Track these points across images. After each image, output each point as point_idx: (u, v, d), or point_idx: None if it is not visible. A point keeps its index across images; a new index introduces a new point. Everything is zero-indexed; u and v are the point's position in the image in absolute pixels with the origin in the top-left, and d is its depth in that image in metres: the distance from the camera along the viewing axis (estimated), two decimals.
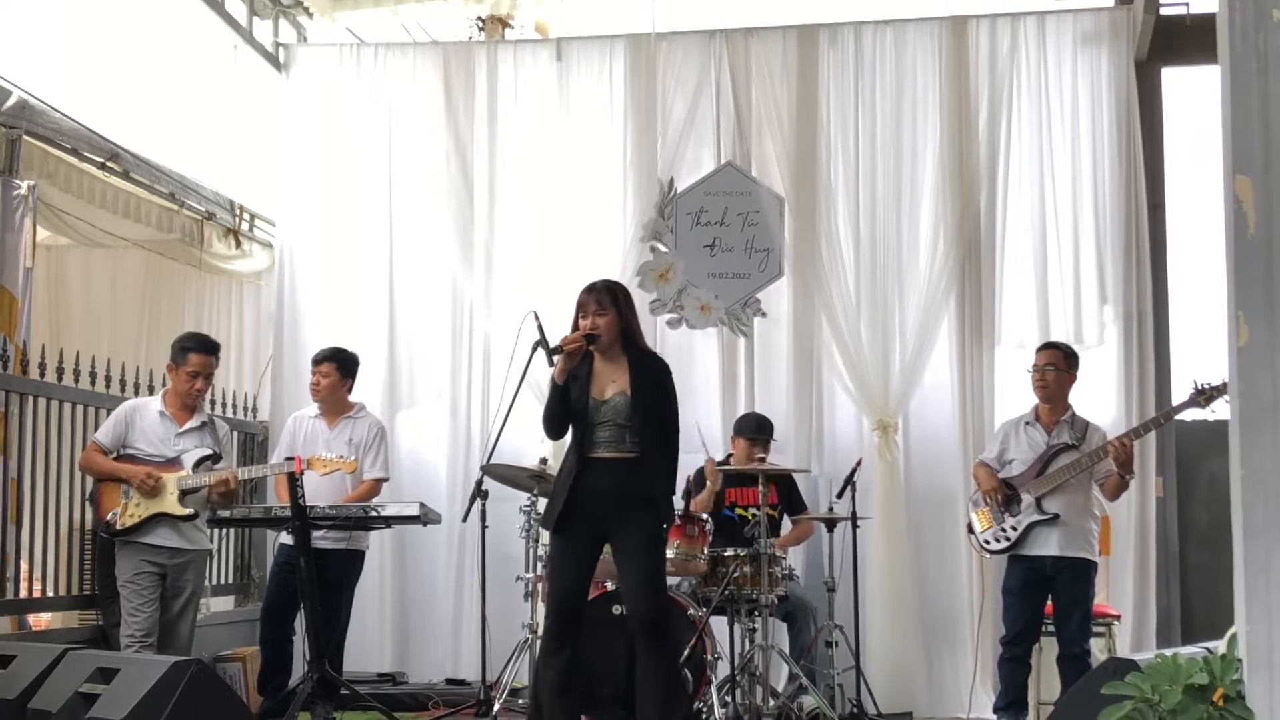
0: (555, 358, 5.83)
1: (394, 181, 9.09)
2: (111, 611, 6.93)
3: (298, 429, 7.57)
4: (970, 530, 7.20)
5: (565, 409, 5.92)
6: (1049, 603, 6.95)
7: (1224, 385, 6.59)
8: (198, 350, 6.79)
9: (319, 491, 7.07)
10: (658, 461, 5.91)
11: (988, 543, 7.04)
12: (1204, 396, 6.69)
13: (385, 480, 7.58)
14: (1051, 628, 7.00)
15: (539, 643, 6.24)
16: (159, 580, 6.62)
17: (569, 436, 6.01)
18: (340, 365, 7.55)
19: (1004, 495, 6.98)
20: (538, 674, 6.00)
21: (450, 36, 9.64)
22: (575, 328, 5.91)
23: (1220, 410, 6.59)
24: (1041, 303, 8.38)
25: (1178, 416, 7.21)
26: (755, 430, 7.73)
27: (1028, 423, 7.13)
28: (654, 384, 5.94)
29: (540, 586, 7.24)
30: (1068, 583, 6.85)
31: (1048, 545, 6.86)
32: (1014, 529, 6.92)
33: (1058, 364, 7.08)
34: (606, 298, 5.92)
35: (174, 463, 6.68)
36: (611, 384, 5.90)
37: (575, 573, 5.89)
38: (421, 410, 9.03)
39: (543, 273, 8.61)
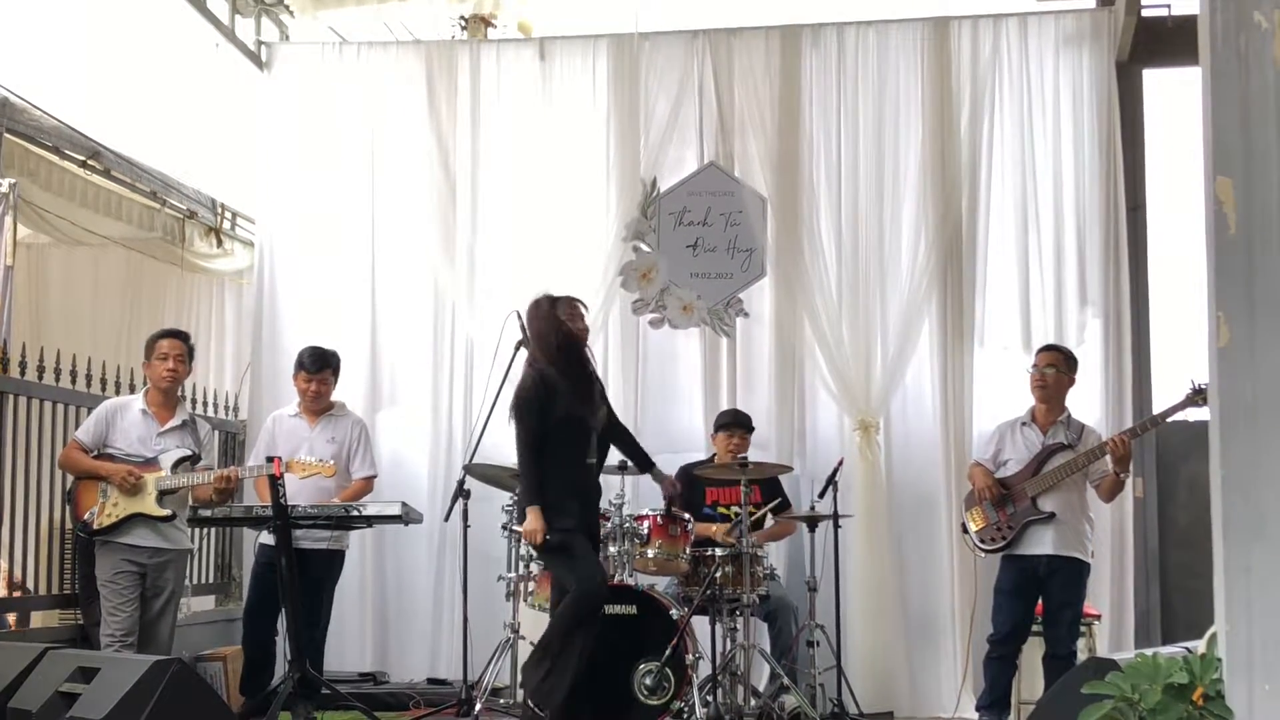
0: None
1: (376, 180, 9.06)
2: (92, 611, 6.90)
3: (277, 428, 7.55)
4: (964, 530, 7.22)
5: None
6: (1039, 603, 6.97)
7: None
8: (163, 335, 6.87)
9: (300, 491, 7.05)
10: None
11: (982, 542, 7.06)
12: (1201, 396, 6.68)
13: (375, 476, 7.59)
14: (1037, 627, 7.02)
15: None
16: (139, 579, 6.61)
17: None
18: (335, 371, 7.57)
19: (999, 494, 7.00)
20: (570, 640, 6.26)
21: (433, 35, 9.62)
22: (560, 329, 6.46)
23: (1201, 411, 6.61)
24: (1022, 303, 8.40)
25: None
26: (731, 420, 7.78)
27: (1024, 424, 7.15)
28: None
29: (521, 586, 7.24)
30: (1061, 584, 6.86)
31: (1042, 544, 6.87)
32: (1010, 528, 6.94)
33: (1058, 365, 7.12)
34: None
35: (153, 463, 6.67)
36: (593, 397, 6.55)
37: (599, 565, 6.47)
38: (403, 410, 9.00)
39: (525, 272, 8.59)
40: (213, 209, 9.40)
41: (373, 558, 8.73)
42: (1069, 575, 6.87)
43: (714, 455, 7.84)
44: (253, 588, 7.55)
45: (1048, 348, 7.34)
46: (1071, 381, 7.20)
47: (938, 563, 8.29)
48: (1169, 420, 6.96)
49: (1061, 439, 7.01)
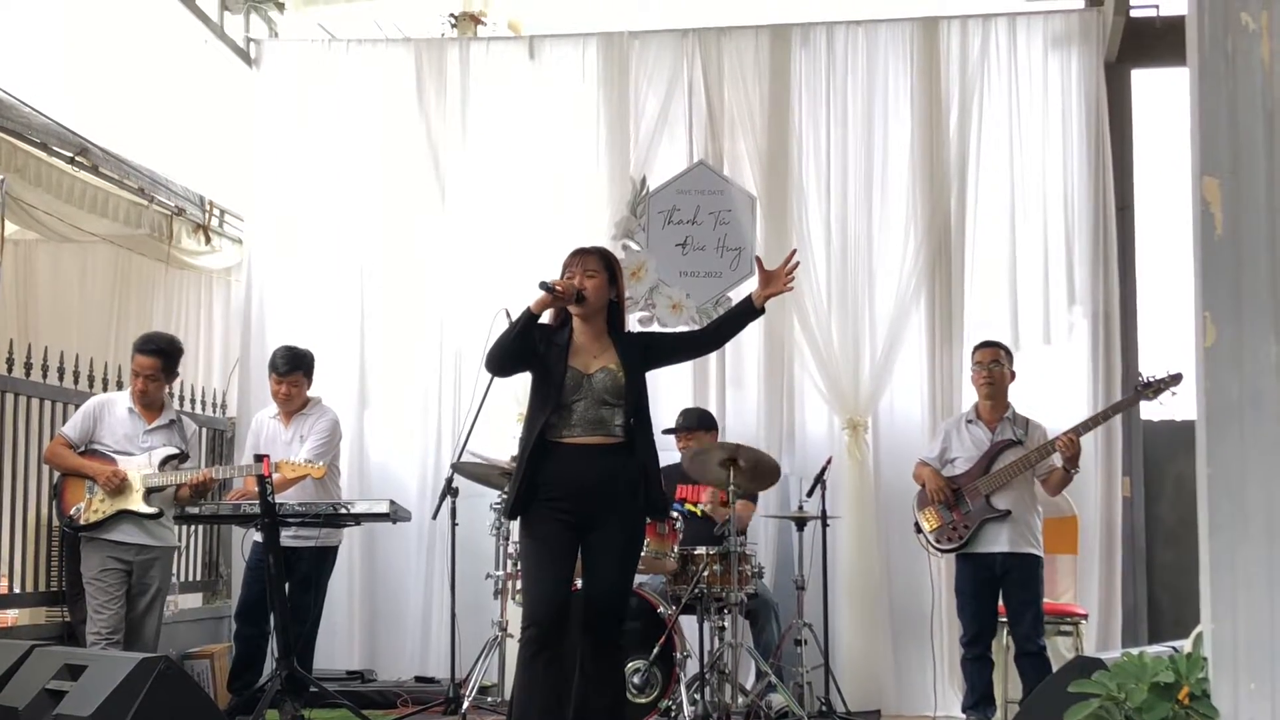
0: (542, 293, 5.24)
1: (365, 178, 9.05)
2: (79, 608, 6.89)
3: (260, 430, 7.55)
4: (918, 529, 7.23)
5: (527, 346, 5.29)
6: (1001, 599, 6.98)
7: (1171, 378, 6.68)
8: (138, 350, 6.80)
9: (288, 490, 7.04)
10: (651, 446, 5.41)
11: (939, 542, 7.07)
12: (1150, 389, 6.78)
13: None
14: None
15: (518, 647, 5.34)
16: (125, 576, 6.59)
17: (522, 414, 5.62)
18: (307, 373, 7.53)
19: (950, 496, 7.01)
20: (519, 687, 5.23)
21: (422, 33, 9.61)
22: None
23: (1181, 408, 6.64)
24: (1011, 302, 8.41)
25: (1144, 415, 7.26)
26: (677, 425, 7.80)
27: (969, 421, 7.18)
28: (644, 364, 5.44)
29: (511, 584, 7.23)
30: (1018, 581, 6.87)
31: (998, 542, 6.90)
32: (966, 527, 6.95)
33: (1001, 360, 7.15)
34: (598, 262, 5.38)
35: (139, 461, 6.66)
36: (594, 359, 5.34)
37: (555, 578, 5.25)
38: (391, 408, 8.99)
39: (514, 270, 8.59)
40: (201, 206, 9.38)
41: (361, 556, 8.72)
42: (1024, 572, 6.88)
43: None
44: (245, 586, 7.55)
45: (988, 344, 7.33)
46: (1013, 375, 7.22)
47: (925, 562, 8.26)
48: (1148, 419, 6.99)
49: (1010, 435, 7.03)
